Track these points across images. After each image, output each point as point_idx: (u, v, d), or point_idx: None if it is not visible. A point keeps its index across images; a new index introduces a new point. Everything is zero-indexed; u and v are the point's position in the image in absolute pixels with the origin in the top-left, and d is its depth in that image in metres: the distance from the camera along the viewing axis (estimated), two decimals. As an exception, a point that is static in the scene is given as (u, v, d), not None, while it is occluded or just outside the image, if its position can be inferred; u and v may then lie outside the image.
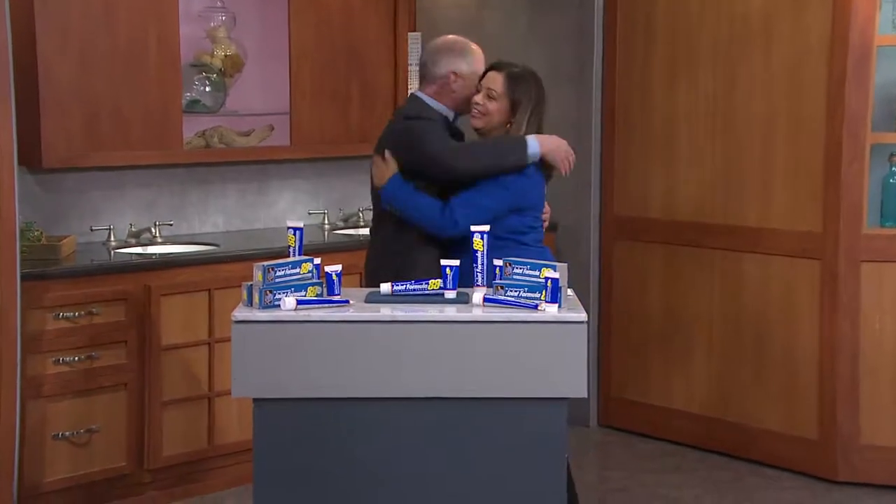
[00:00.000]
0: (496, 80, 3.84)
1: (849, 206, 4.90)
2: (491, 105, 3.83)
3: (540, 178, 3.85)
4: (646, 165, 5.55)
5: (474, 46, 4.05)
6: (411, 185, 3.76)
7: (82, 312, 4.43)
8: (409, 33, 5.79)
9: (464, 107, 4.01)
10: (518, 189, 3.75)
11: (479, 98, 3.86)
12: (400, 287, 3.36)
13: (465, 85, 3.98)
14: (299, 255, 3.54)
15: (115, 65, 4.84)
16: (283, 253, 3.60)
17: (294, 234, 3.56)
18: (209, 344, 4.78)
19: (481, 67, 4.01)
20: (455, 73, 3.97)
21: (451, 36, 4.08)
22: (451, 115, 4.02)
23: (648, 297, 5.60)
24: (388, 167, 3.80)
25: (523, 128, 3.81)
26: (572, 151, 3.91)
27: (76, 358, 4.43)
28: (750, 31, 5.18)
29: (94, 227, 5.02)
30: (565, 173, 3.89)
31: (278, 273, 3.29)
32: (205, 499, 4.80)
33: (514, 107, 3.82)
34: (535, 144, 3.79)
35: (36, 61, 4.61)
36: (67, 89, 4.72)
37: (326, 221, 5.67)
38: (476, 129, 3.90)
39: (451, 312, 3.25)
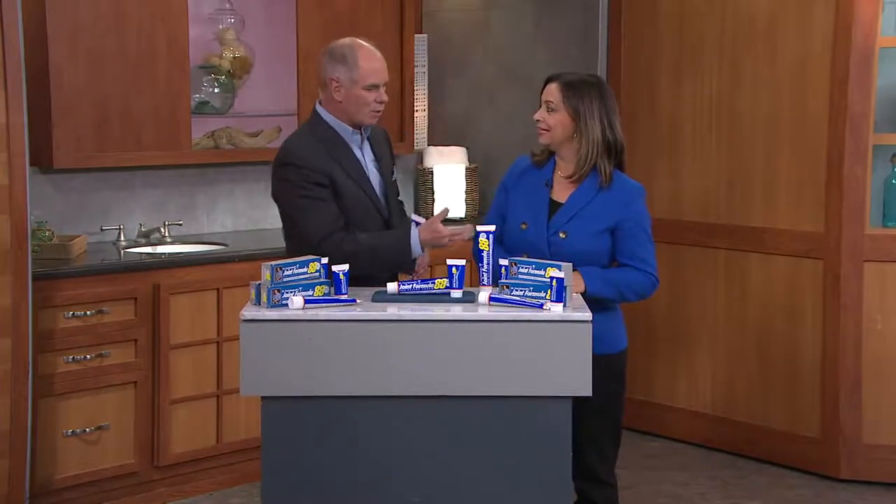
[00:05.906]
0: (552, 91, 3.56)
1: (851, 207, 4.92)
2: (552, 119, 3.55)
3: None
4: (650, 165, 5.56)
5: (363, 51, 3.57)
6: (598, 268, 3.56)
7: (93, 311, 4.47)
8: (415, 35, 5.82)
9: (357, 120, 3.60)
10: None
11: (539, 114, 3.56)
12: (406, 286, 3.38)
13: (348, 95, 3.56)
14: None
15: (125, 67, 4.88)
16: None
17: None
18: (218, 342, 4.82)
19: (369, 76, 3.55)
20: (335, 81, 3.56)
21: (346, 38, 3.63)
22: (347, 130, 3.61)
23: (653, 297, 5.60)
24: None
25: (595, 139, 3.53)
26: (449, 233, 3.54)
27: (87, 356, 4.46)
28: (754, 33, 5.21)
29: (104, 227, 5.06)
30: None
31: (286, 272, 3.29)
32: (213, 496, 4.83)
33: (575, 116, 3.53)
34: (417, 243, 3.53)
35: (48, 64, 4.66)
36: (78, 91, 4.76)
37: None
38: (545, 146, 3.63)
39: (457, 311, 3.26)
